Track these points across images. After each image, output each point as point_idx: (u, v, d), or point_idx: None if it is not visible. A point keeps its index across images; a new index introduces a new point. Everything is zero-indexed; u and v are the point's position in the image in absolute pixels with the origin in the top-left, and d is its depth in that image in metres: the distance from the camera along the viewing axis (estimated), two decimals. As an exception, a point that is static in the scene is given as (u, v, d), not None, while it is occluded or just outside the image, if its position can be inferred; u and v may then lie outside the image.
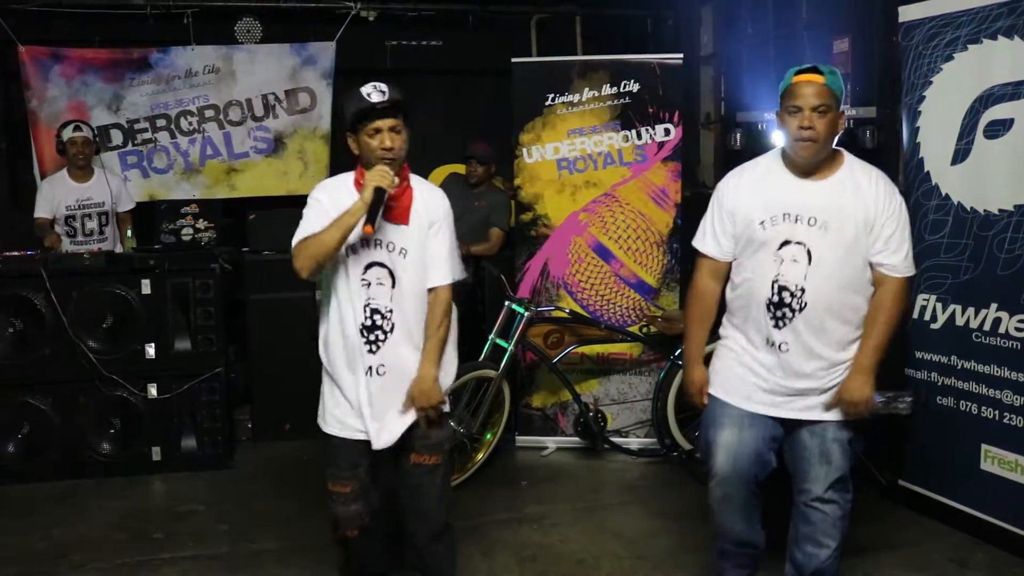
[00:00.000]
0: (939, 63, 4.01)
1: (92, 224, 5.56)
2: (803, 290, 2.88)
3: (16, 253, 4.96)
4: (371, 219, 2.75)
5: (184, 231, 5.14)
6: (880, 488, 4.37)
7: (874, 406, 2.96)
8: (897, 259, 2.90)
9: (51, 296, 4.74)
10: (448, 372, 3.09)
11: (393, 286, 2.90)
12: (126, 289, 4.87)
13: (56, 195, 5.51)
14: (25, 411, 4.83)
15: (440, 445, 3.03)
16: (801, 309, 2.90)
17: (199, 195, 6.59)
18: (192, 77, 6.69)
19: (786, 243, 2.91)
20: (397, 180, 2.84)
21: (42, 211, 5.50)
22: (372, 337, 2.89)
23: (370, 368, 2.91)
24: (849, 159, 2.96)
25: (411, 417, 2.97)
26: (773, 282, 2.92)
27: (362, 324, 2.89)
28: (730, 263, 3.08)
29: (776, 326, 2.94)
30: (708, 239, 3.09)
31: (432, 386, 2.94)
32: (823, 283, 2.88)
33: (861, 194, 2.88)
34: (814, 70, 2.84)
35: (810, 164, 2.89)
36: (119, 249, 5.55)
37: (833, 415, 2.96)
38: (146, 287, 4.90)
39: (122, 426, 4.93)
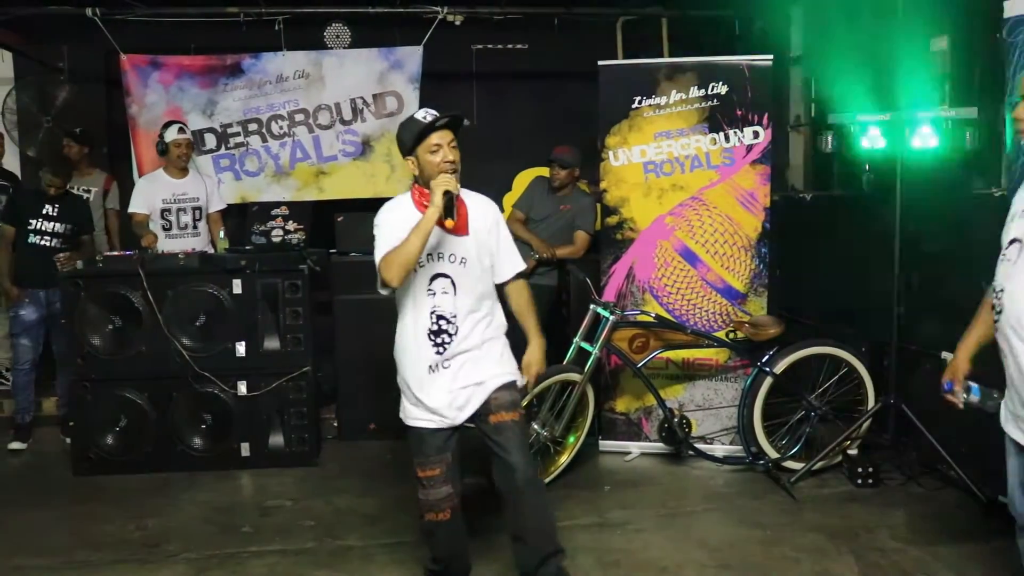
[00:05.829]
0: (1047, 60, 3.84)
1: (187, 218, 5.72)
2: (1003, 290, 2.56)
3: (116, 253, 5.14)
4: (449, 214, 3.05)
5: (274, 232, 5.26)
6: (981, 506, 4.20)
7: (971, 400, 2.82)
8: None
9: (147, 295, 4.90)
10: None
11: (455, 293, 3.14)
12: (218, 289, 5.01)
13: (153, 191, 5.69)
14: (123, 405, 5.01)
15: (515, 403, 3.24)
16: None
17: (289, 197, 6.75)
18: (283, 82, 6.84)
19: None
20: (459, 187, 3.11)
21: (137, 206, 5.68)
22: (439, 340, 3.15)
23: (438, 365, 3.16)
24: None
25: (477, 397, 3.19)
26: (995, 285, 2.62)
27: (429, 329, 3.14)
28: None
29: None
30: None
31: (543, 356, 3.38)
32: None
33: None
34: None
35: None
36: (210, 247, 5.72)
37: None
38: (237, 287, 5.02)
39: (213, 422, 5.07)
